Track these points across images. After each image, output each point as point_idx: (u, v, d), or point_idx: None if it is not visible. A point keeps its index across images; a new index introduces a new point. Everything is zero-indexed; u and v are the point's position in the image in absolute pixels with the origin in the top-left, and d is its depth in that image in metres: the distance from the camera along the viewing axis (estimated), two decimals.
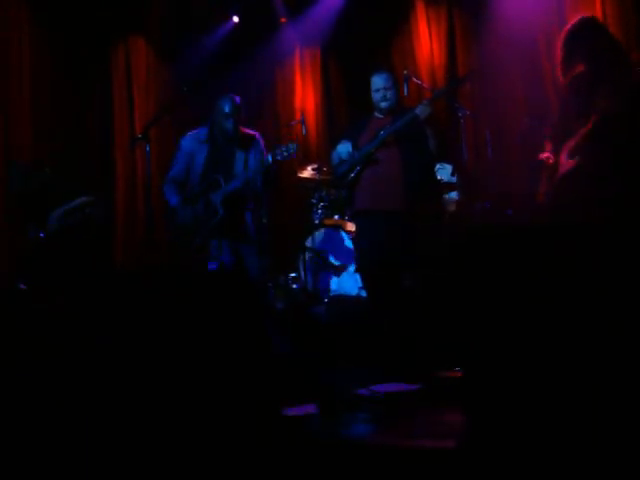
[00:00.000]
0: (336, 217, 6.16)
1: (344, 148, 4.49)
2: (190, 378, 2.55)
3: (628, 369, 2.19)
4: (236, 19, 7.26)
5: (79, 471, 2.37)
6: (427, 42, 7.03)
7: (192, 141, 4.77)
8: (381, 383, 3.78)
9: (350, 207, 4.94)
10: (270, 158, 4.41)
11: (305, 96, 7.72)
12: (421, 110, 4.30)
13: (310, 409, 3.29)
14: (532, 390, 2.34)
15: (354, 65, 7.34)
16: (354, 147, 4.47)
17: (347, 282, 5.72)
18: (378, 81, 4.51)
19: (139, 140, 4.95)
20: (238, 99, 4.68)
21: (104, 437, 2.45)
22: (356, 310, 5.26)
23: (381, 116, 4.54)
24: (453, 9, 6.95)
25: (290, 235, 6.53)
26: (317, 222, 6.15)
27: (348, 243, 5.77)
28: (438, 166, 5.37)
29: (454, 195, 5.42)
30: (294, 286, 6.13)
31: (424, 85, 6.11)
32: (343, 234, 5.91)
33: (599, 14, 5.56)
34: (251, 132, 4.79)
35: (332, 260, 5.87)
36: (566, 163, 3.55)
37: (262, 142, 4.75)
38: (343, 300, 5.57)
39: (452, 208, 5.35)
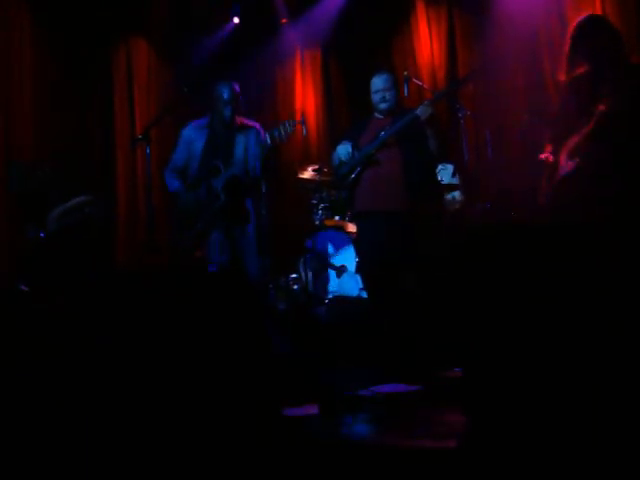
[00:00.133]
0: (337, 218, 6.16)
1: (344, 149, 4.49)
2: (190, 378, 2.55)
3: (627, 368, 2.19)
4: (237, 20, 7.25)
5: (79, 471, 2.37)
6: (427, 42, 7.04)
7: (192, 129, 4.79)
8: (382, 383, 3.78)
9: (351, 208, 4.94)
10: (269, 139, 4.42)
11: (305, 97, 7.73)
12: (422, 111, 4.30)
13: (310, 409, 3.29)
14: (532, 390, 2.34)
15: (355, 66, 7.35)
16: (354, 148, 4.47)
17: (348, 283, 5.72)
18: (377, 82, 4.51)
19: (140, 141, 4.95)
20: (237, 87, 4.69)
21: (104, 437, 2.45)
22: (357, 311, 5.26)
23: (381, 117, 4.55)
24: (453, 9, 6.95)
25: (291, 236, 6.52)
26: (318, 223, 6.15)
27: (349, 244, 5.77)
28: (440, 167, 5.38)
29: (457, 195, 5.42)
30: (295, 287, 6.14)
31: (424, 86, 6.11)
32: (344, 235, 5.90)
33: (599, 12, 5.56)
34: (252, 123, 4.80)
35: (333, 261, 5.87)
36: (566, 164, 3.55)
37: (262, 132, 4.75)
38: (344, 301, 5.57)
39: (455, 208, 5.35)
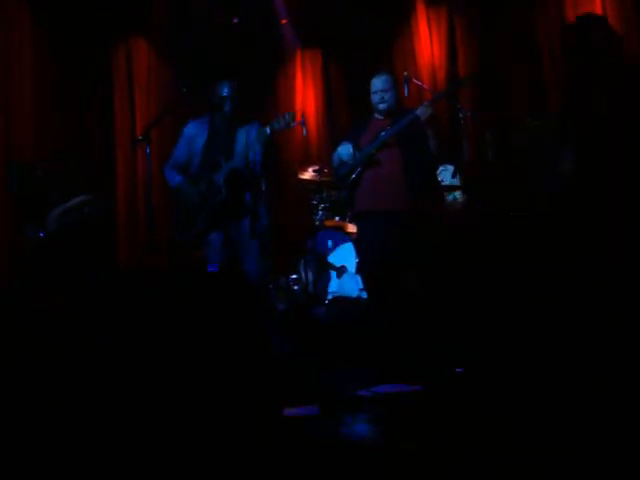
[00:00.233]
0: (337, 218, 6.16)
1: (345, 149, 4.49)
2: (190, 378, 2.55)
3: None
4: (237, 20, 7.25)
5: (79, 471, 2.37)
6: (427, 43, 7.05)
7: (193, 126, 4.78)
8: (381, 384, 3.78)
9: (351, 208, 4.93)
10: (268, 130, 4.42)
11: (306, 97, 7.74)
12: (422, 111, 4.29)
13: (310, 410, 3.29)
14: (532, 389, 2.34)
15: (355, 66, 7.35)
16: (355, 148, 4.46)
17: (348, 283, 5.71)
18: (377, 83, 4.51)
19: (140, 141, 4.94)
20: (235, 84, 4.70)
21: (104, 437, 2.45)
22: (357, 311, 5.26)
23: (381, 117, 4.55)
24: (453, 9, 6.95)
25: (291, 236, 6.53)
26: (318, 223, 6.15)
27: (349, 244, 5.77)
28: (441, 167, 5.38)
29: (458, 195, 5.42)
30: (295, 287, 6.14)
31: (424, 86, 6.11)
32: (344, 235, 5.90)
33: (599, 12, 5.57)
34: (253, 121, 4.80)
35: (333, 261, 5.87)
36: (564, 162, 3.55)
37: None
38: (344, 301, 5.56)
39: (456, 208, 5.35)
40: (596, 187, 3.40)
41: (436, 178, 5.19)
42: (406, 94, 4.94)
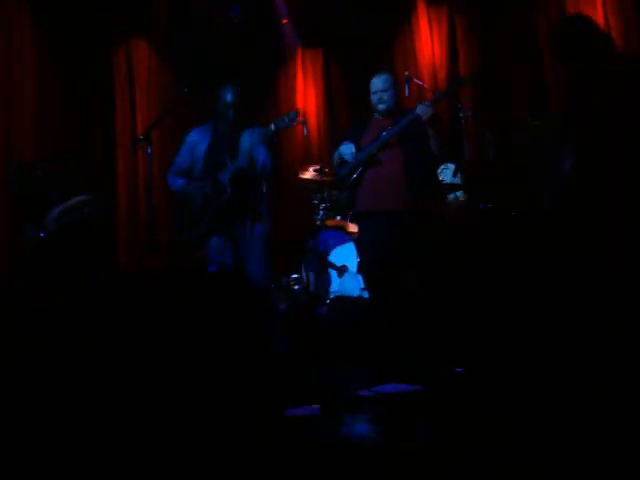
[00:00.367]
0: (338, 218, 6.15)
1: (346, 149, 4.49)
2: (191, 378, 2.54)
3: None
4: (237, 20, 7.25)
5: (79, 471, 2.36)
6: (428, 42, 7.04)
7: (196, 133, 4.79)
8: (382, 384, 3.77)
9: (352, 208, 4.93)
10: (273, 127, 4.42)
11: (307, 97, 7.73)
12: (422, 111, 4.29)
13: (311, 410, 3.28)
14: (532, 390, 2.33)
15: (356, 66, 7.34)
16: (356, 148, 4.46)
17: (349, 283, 5.71)
18: (376, 83, 4.51)
19: (140, 141, 4.94)
20: (238, 89, 4.71)
21: (104, 437, 2.45)
22: (358, 311, 5.26)
23: (382, 117, 4.54)
24: (454, 9, 6.95)
25: (292, 236, 6.52)
26: (319, 223, 6.14)
27: (350, 244, 5.76)
28: (442, 166, 5.37)
29: (460, 195, 5.41)
30: (296, 287, 6.13)
31: (425, 86, 6.10)
32: (345, 235, 5.90)
33: (600, 12, 5.57)
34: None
35: (334, 261, 5.87)
36: (565, 162, 3.54)
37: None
38: (345, 301, 5.56)
39: (458, 207, 5.34)
40: (596, 187, 3.40)
41: (437, 178, 5.18)
42: (407, 94, 4.94)
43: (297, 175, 6.44)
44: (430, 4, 7.11)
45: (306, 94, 7.76)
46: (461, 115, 5.57)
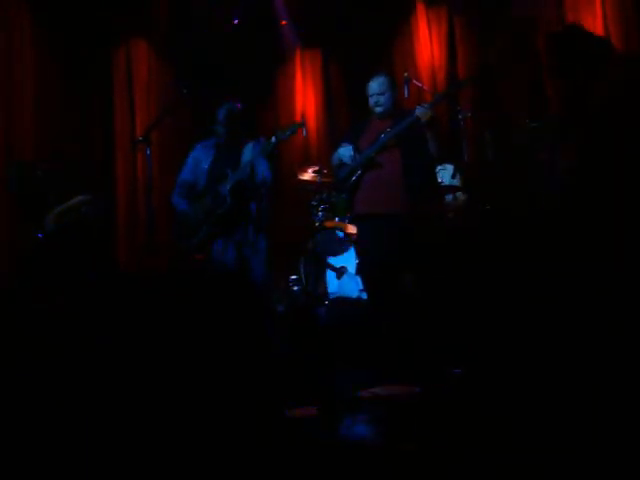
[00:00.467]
0: (337, 219, 6.15)
1: (345, 151, 4.49)
2: (191, 379, 2.55)
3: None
4: (236, 21, 7.26)
5: (79, 471, 2.37)
6: (427, 44, 7.04)
7: (200, 149, 4.83)
8: (381, 385, 3.78)
9: (351, 210, 4.94)
10: (274, 139, 4.44)
11: (306, 97, 7.73)
12: (421, 113, 4.29)
13: (311, 410, 3.29)
14: (531, 390, 2.34)
15: (355, 67, 7.34)
16: (355, 150, 4.46)
17: (348, 284, 5.71)
18: (373, 86, 4.51)
19: (140, 142, 4.95)
20: (236, 105, 4.71)
21: (104, 437, 2.45)
22: (357, 312, 5.26)
23: (380, 119, 4.54)
24: (453, 10, 6.95)
25: (291, 237, 6.52)
26: (318, 224, 6.14)
27: (349, 245, 5.76)
28: (439, 167, 5.37)
29: (459, 195, 5.41)
30: (295, 288, 6.13)
31: (424, 87, 6.11)
32: (344, 236, 5.90)
33: (599, 14, 5.58)
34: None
35: (333, 262, 5.87)
36: (564, 162, 3.55)
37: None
38: (344, 302, 5.56)
39: (457, 208, 5.34)
40: (596, 187, 3.40)
41: (436, 180, 5.18)
42: (406, 95, 4.95)
43: (296, 176, 6.44)
44: (429, 5, 7.11)
45: (305, 95, 7.76)
46: (460, 117, 5.58)
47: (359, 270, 5.42)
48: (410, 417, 3.20)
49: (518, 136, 5.70)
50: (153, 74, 7.05)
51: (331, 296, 5.73)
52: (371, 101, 4.51)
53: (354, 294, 5.57)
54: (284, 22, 7.56)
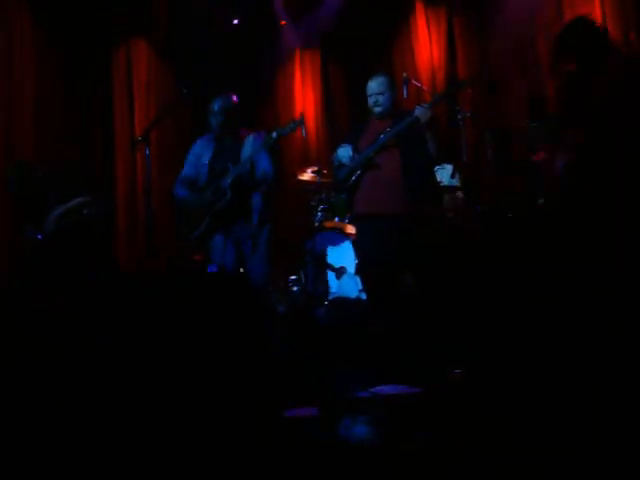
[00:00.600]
0: (336, 220, 6.15)
1: (344, 152, 4.49)
2: (191, 379, 2.55)
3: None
4: (237, 21, 7.26)
5: (79, 471, 2.37)
6: (427, 43, 7.04)
7: (200, 143, 4.83)
8: (381, 385, 3.78)
9: (350, 210, 4.94)
10: (275, 134, 4.44)
11: (305, 97, 7.73)
12: (420, 113, 4.28)
13: (310, 411, 3.29)
14: (531, 391, 2.34)
15: (354, 67, 7.35)
16: (354, 150, 4.46)
17: (347, 284, 5.71)
18: (372, 86, 4.51)
19: (140, 142, 4.94)
20: (232, 98, 4.71)
21: (104, 437, 2.45)
22: (356, 312, 5.26)
23: (379, 119, 4.54)
24: (453, 10, 6.96)
25: (290, 238, 6.52)
26: (317, 224, 6.14)
27: (348, 245, 5.77)
28: (437, 167, 5.37)
29: (459, 195, 5.41)
30: (294, 289, 6.13)
31: (424, 87, 6.11)
32: (343, 236, 5.90)
33: (598, 11, 5.57)
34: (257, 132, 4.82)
35: (332, 262, 5.87)
36: (562, 162, 3.55)
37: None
38: (343, 302, 5.56)
39: (455, 209, 5.34)
40: (596, 187, 3.40)
41: (435, 181, 5.18)
42: (405, 95, 4.94)
43: (295, 177, 6.44)
44: (428, 5, 7.11)
45: (304, 95, 7.76)
46: (459, 117, 5.58)
47: (359, 270, 5.42)
48: (410, 417, 3.20)
49: (518, 137, 5.71)
50: (153, 74, 7.05)
51: (330, 296, 5.73)
52: (370, 101, 4.51)
53: (353, 294, 5.57)
54: (284, 22, 7.57)
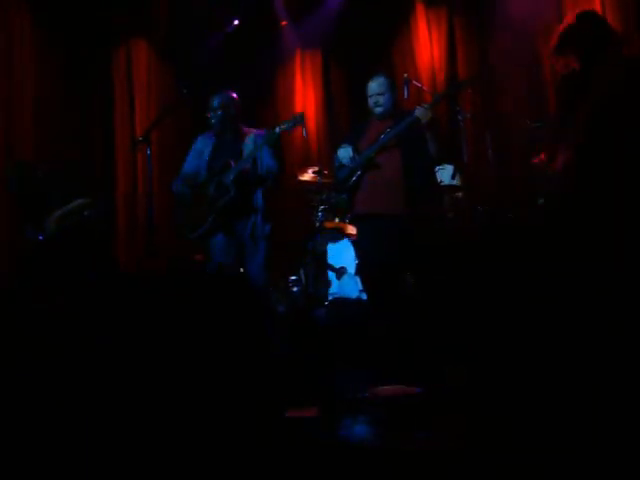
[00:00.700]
0: (337, 220, 6.16)
1: (344, 153, 4.48)
2: (191, 379, 2.55)
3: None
4: (237, 22, 7.26)
5: (79, 471, 2.37)
6: (427, 44, 7.05)
7: (201, 140, 4.83)
8: (381, 385, 3.78)
9: (351, 211, 4.94)
10: (278, 130, 4.44)
11: (306, 98, 7.73)
12: (421, 113, 4.28)
13: (310, 411, 3.29)
14: (531, 391, 2.34)
15: (355, 67, 7.35)
16: (354, 151, 4.46)
17: (347, 285, 5.71)
18: (372, 86, 4.50)
19: (140, 142, 4.94)
20: (230, 94, 4.72)
21: (104, 437, 2.45)
22: (356, 313, 5.26)
23: (380, 120, 4.54)
24: (453, 10, 6.96)
25: (290, 238, 6.52)
26: (318, 225, 6.14)
27: (349, 246, 5.77)
28: (438, 167, 5.37)
29: (460, 196, 5.42)
30: (294, 289, 6.13)
31: (424, 88, 6.11)
32: (344, 237, 5.90)
33: (598, 11, 5.57)
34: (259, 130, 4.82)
35: (333, 263, 5.87)
36: (561, 162, 3.55)
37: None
38: (344, 303, 5.56)
39: (456, 209, 5.34)
40: (595, 187, 3.40)
41: (436, 181, 5.18)
42: (406, 96, 4.94)
43: (296, 177, 6.44)
44: (429, 5, 7.11)
45: (305, 95, 7.76)
46: (460, 117, 5.58)
47: (359, 270, 5.42)
48: (410, 417, 3.20)
49: (518, 137, 5.71)
50: (153, 74, 7.06)
51: (331, 297, 5.73)
52: (370, 101, 4.51)
53: (354, 294, 5.57)
54: (284, 22, 7.57)
